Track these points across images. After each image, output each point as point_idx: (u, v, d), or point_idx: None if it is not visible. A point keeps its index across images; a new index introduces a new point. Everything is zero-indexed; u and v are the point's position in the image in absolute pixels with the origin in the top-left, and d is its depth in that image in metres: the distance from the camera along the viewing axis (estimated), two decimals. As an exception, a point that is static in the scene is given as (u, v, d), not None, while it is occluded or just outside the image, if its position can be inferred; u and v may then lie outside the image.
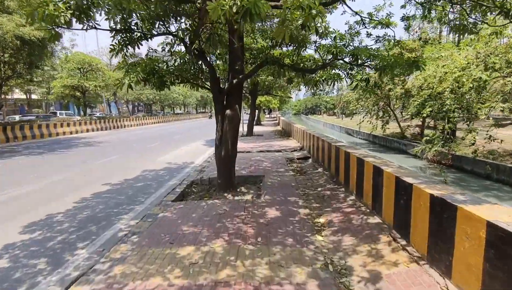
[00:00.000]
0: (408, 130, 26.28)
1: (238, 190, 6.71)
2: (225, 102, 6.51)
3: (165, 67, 6.15)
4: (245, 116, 26.12)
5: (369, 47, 6.66)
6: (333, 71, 7.62)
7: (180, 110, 75.88)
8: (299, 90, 19.16)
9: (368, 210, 4.80)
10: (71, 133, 24.27)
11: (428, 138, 15.87)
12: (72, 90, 27.44)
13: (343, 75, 7.22)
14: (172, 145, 17.01)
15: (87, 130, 26.17)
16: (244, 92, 18.84)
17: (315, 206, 5.47)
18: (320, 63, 6.83)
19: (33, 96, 42.27)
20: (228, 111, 6.32)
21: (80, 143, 18.69)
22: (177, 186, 7.47)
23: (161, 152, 14.37)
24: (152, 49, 6.73)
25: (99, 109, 59.67)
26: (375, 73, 7.40)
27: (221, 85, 6.64)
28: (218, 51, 7.66)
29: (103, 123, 29.33)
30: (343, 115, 71.89)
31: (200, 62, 6.64)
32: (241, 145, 14.12)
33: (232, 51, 6.25)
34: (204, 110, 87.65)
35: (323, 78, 7.53)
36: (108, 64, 35.27)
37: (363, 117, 28.30)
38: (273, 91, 17.99)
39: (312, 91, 17.01)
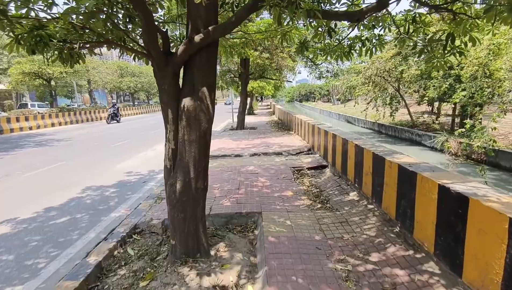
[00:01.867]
0: (421, 118, 23.26)
1: (212, 253, 3.47)
2: (180, 83, 3.22)
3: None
4: (236, 104, 22.82)
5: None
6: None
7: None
8: (299, 72, 15.87)
9: None
10: (30, 128, 20.55)
11: (462, 130, 12.66)
12: (32, 78, 23.52)
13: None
14: (144, 144, 13.62)
15: (53, 125, 22.46)
16: (232, 76, 15.44)
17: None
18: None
19: (0, 86, 37.85)
20: (186, 102, 3.04)
21: (32, 142, 15.14)
22: (110, 234, 4.21)
23: (126, 155, 11.01)
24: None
25: (82, 100, 55.34)
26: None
27: (170, 49, 3.29)
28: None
29: (75, 116, 25.57)
30: (339, 102, 69.16)
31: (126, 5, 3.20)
32: (229, 144, 10.78)
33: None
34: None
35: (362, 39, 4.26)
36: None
37: (368, 103, 25.29)
38: (267, 74, 14.69)
39: (317, 73, 13.77)
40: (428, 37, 3.97)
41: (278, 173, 6.37)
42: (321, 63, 12.63)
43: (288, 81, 16.53)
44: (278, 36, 4.51)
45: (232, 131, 15.16)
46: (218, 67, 16.12)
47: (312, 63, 12.79)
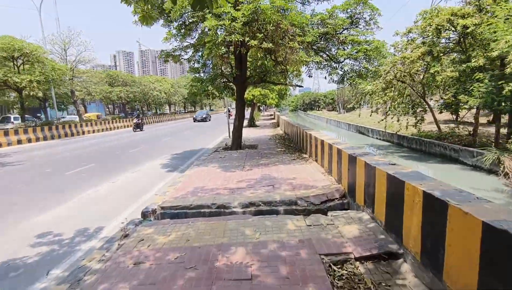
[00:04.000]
0: (446, 128, 19.71)
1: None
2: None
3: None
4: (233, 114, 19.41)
5: None
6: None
7: (163, 110, 68.49)
8: (309, 76, 12.58)
9: None
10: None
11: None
12: (-2, 87, 20.40)
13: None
14: (109, 171, 10.23)
15: (19, 142, 19.15)
16: (226, 81, 12.08)
17: None
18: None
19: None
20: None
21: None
22: None
23: (70, 192, 7.60)
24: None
25: (77, 111, 52.27)
26: None
27: None
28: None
29: (50, 131, 22.30)
30: (344, 110, 65.75)
31: None
32: (214, 177, 7.24)
33: None
34: (193, 109, 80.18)
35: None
36: (62, 56, 28.01)
37: (386, 113, 21.91)
38: (270, 77, 11.31)
39: (339, 74, 10.32)
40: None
41: (296, 279, 2.85)
42: (344, 60, 9.23)
43: (298, 85, 13.08)
44: None
45: (225, 152, 11.69)
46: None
47: (331, 60, 9.42)
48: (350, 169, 5.08)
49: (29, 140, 19.99)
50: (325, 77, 10.23)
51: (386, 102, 19.80)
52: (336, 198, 5.13)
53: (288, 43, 7.00)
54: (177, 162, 11.63)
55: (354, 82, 8.68)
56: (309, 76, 12.23)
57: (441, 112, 21.61)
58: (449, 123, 22.26)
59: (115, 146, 17.23)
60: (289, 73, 13.15)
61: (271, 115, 54.21)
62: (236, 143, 11.94)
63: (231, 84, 12.42)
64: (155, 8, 8.51)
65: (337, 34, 9.36)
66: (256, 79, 11.37)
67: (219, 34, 7.00)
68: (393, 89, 19.66)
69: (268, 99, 21.05)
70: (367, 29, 9.42)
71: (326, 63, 9.39)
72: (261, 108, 50.07)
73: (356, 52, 8.88)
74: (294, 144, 12.57)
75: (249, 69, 12.28)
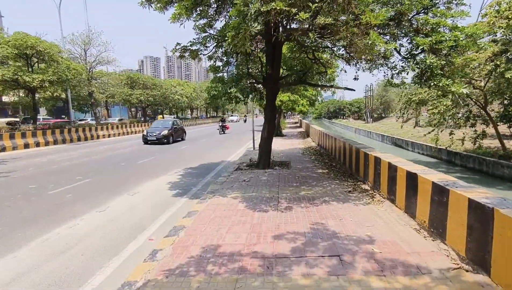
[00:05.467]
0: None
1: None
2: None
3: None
4: (250, 121, 17.00)
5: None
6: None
7: (185, 114, 67.30)
8: (355, 79, 9.99)
9: None
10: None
11: None
12: (7, 87, 19.07)
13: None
14: (104, 190, 8.00)
15: (26, 146, 17.62)
16: (253, 82, 9.64)
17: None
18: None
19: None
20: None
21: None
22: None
23: (43, 226, 5.34)
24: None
25: (101, 114, 51.94)
26: None
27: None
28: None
29: (62, 135, 20.80)
30: (371, 120, 61.80)
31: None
32: (233, 220, 4.64)
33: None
34: (216, 114, 78.62)
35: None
36: (81, 56, 26.83)
37: (437, 125, 18.86)
38: (312, 78, 8.74)
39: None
40: None
41: None
42: (421, 52, 6.49)
43: (349, 89, 10.32)
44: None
45: (250, 171, 9.14)
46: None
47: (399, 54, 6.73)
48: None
49: (37, 144, 18.44)
50: (390, 77, 7.46)
51: (441, 113, 16.65)
52: None
53: (355, 20, 4.47)
54: (190, 180, 9.27)
55: (438, 84, 5.94)
56: (355, 78, 9.52)
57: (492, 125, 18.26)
58: (509, 138, 18.75)
59: (124, 154, 15.20)
60: (327, 75, 10.53)
61: (296, 122, 51.40)
62: (264, 159, 9.39)
63: (259, 86, 9.97)
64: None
65: (411, 17, 6.70)
66: (293, 79, 8.82)
67: (251, 5, 4.59)
68: (450, 96, 16.53)
69: (298, 106, 18.39)
70: (448, 8, 6.73)
71: (398, 56, 6.72)
72: (285, 115, 47.53)
73: (441, 42, 6.18)
74: (338, 163, 9.82)
75: (282, 68, 9.79)
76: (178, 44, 10.13)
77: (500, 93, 15.91)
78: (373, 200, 5.68)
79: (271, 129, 9.56)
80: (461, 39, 6.26)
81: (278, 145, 16.08)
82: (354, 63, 9.78)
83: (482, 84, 16.60)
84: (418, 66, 6.37)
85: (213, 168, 11.01)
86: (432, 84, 6.08)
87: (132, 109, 57.31)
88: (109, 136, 26.46)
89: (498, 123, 17.05)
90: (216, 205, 5.75)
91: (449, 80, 5.91)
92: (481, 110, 17.61)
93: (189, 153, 15.09)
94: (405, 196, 4.94)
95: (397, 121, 44.46)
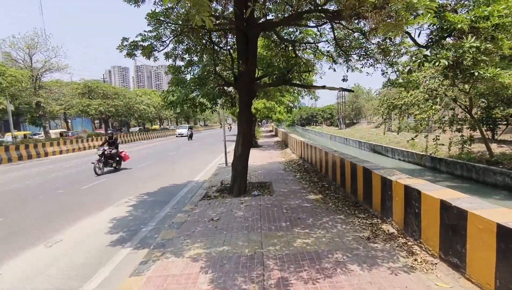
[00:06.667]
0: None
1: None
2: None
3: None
4: (225, 133, 14.95)
5: None
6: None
7: (154, 125, 63.63)
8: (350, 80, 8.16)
9: None
10: None
11: None
12: None
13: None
14: (18, 235, 5.46)
15: None
16: (220, 84, 7.55)
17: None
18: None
19: None
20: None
21: None
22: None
23: None
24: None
25: (61, 127, 47.14)
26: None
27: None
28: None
29: (-1, 153, 17.39)
30: (344, 125, 61.94)
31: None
32: None
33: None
34: (187, 124, 75.29)
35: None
36: (25, 61, 23.29)
37: (431, 130, 17.98)
38: (299, 77, 6.91)
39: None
40: None
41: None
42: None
43: (347, 90, 8.32)
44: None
45: (222, 201, 6.96)
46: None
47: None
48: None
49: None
50: (407, 71, 5.71)
51: (430, 117, 15.56)
52: None
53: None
54: (141, 213, 6.96)
55: (484, 75, 4.27)
56: (344, 79, 7.72)
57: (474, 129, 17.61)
58: (491, 142, 18.13)
59: (68, 176, 12.43)
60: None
61: (270, 131, 49.80)
62: (239, 183, 7.26)
63: (230, 89, 7.91)
64: None
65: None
66: (274, 78, 6.85)
67: None
68: (439, 99, 15.50)
69: (275, 114, 16.52)
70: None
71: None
72: (259, 123, 45.79)
73: (484, 19, 4.53)
74: (332, 185, 7.86)
75: (258, 68, 7.80)
76: (125, 39, 7.88)
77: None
78: (415, 260, 3.62)
79: (247, 143, 7.48)
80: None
81: (254, 158, 14.02)
82: (343, 60, 8.05)
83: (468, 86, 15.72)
84: (452, 53, 4.63)
85: (175, 194, 8.72)
86: (474, 75, 4.37)
87: (96, 121, 53.04)
88: (60, 152, 23.06)
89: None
90: (162, 281, 3.50)
91: (498, 68, 4.25)
92: (466, 114, 16.80)
93: (149, 173, 12.60)
94: (494, 266, 2.80)
95: (368, 126, 44.29)
